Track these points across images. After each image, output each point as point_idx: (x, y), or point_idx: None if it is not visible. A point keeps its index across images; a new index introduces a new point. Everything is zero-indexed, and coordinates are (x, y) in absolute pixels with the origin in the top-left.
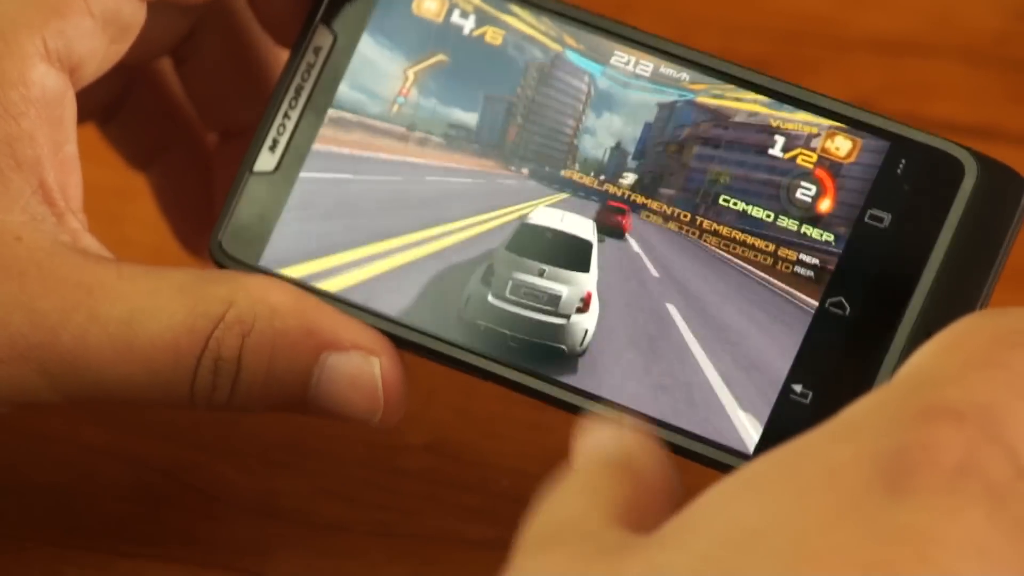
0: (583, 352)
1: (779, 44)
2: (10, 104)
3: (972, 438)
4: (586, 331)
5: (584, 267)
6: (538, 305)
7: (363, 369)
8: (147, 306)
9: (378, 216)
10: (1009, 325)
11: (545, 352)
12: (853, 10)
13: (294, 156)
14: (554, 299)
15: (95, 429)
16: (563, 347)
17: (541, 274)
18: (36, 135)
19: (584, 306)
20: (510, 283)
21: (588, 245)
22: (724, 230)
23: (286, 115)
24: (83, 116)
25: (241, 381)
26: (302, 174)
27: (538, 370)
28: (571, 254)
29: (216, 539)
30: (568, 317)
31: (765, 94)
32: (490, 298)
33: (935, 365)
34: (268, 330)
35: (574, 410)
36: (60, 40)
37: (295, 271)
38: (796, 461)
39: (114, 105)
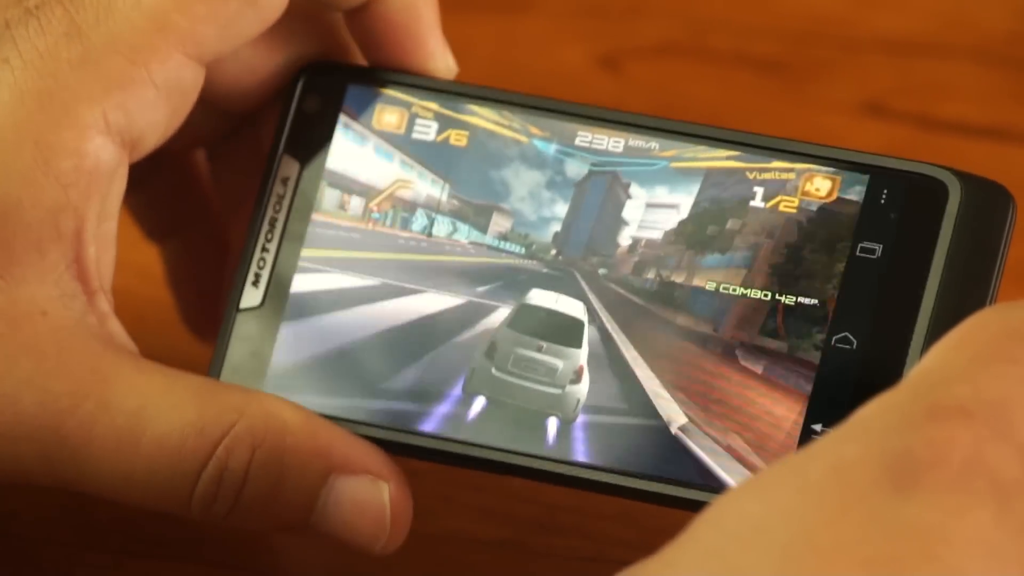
0: (574, 419)
1: (791, 45)
2: (61, 173)
3: (980, 436)
4: (578, 400)
5: (577, 343)
6: (537, 377)
7: (372, 494)
8: (159, 403)
9: (371, 331)
10: (1019, 318)
11: (541, 420)
12: (865, 11)
13: (278, 288)
14: (551, 371)
15: None
16: (558, 415)
17: (539, 349)
18: (81, 208)
19: (577, 378)
20: (512, 357)
21: (580, 324)
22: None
23: (264, 248)
24: None
25: (245, 495)
26: (289, 304)
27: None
28: (565, 332)
29: (227, 539)
30: (563, 388)
31: (736, 148)
32: (494, 371)
33: (944, 363)
34: (279, 446)
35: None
36: (120, 113)
37: (296, 399)
38: (804, 461)
39: (143, 177)
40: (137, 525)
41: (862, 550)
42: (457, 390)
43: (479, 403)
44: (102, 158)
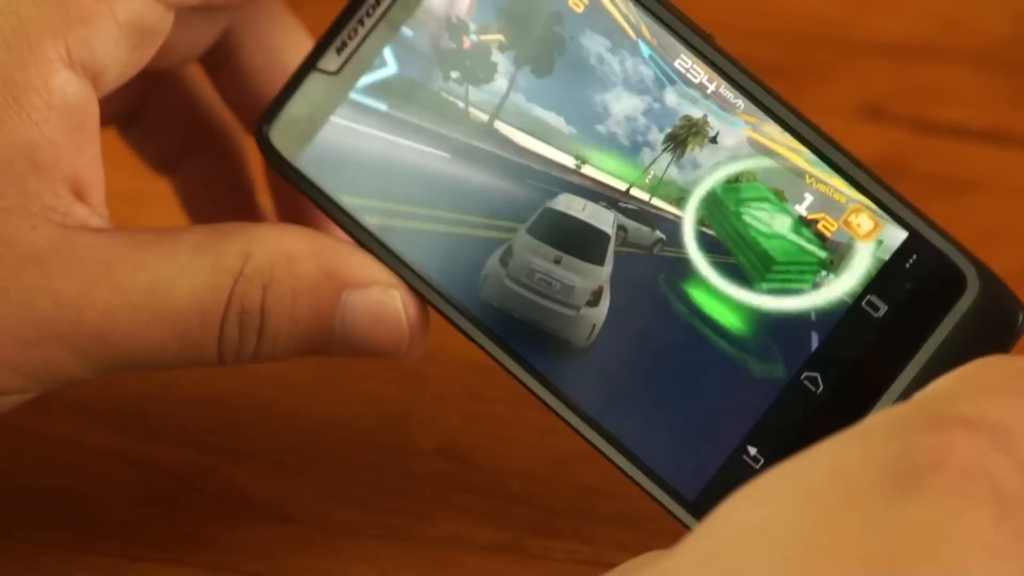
0: (589, 346)
1: (790, 49)
2: (32, 109)
3: (982, 445)
4: (593, 326)
5: (599, 259)
6: (550, 293)
7: (385, 303)
8: (167, 272)
9: (417, 172)
10: None
11: (551, 341)
12: (863, 15)
13: (358, 64)
14: (566, 289)
15: (105, 433)
16: (569, 339)
17: (557, 261)
18: (57, 140)
19: (595, 299)
20: (526, 267)
21: (606, 237)
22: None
23: (360, 21)
24: (104, 120)
25: (267, 331)
26: (361, 83)
27: (536, 364)
28: (588, 244)
29: (226, 543)
30: (578, 309)
31: (807, 146)
32: (505, 280)
33: (952, 388)
34: (287, 277)
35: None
36: (84, 48)
37: (326, 181)
38: (804, 465)
39: (136, 110)
40: (135, 529)
41: (861, 549)
42: (472, 274)
43: (490, 308)
44: (69, 91)
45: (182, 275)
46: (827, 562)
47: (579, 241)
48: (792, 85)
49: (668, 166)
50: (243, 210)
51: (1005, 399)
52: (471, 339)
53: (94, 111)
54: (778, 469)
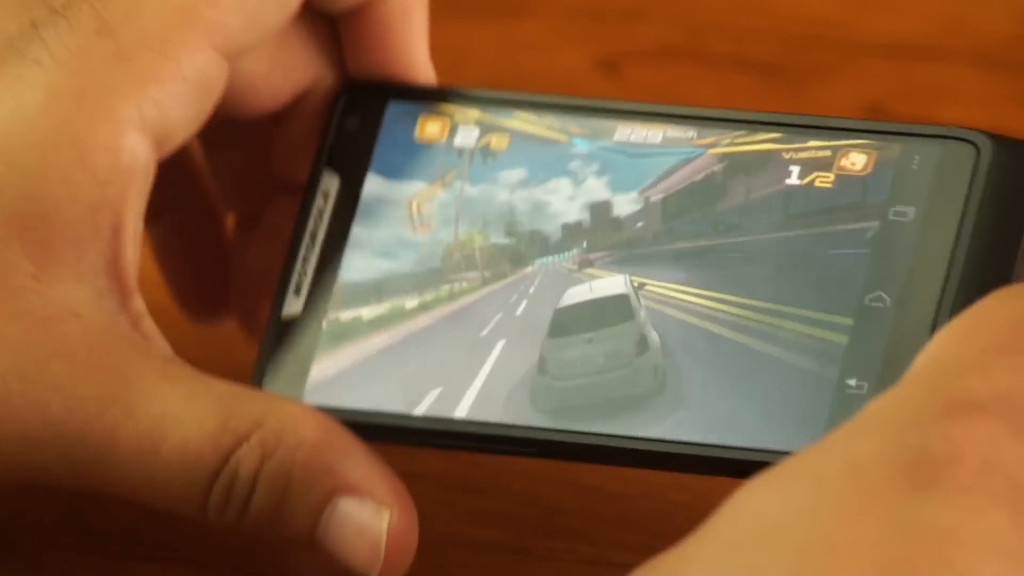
0: (663, 390)
1: (791, 49)
2: (98, 171)
3: (996, 433)
4: (655, 367)
5: (629, 316)
6: (600, 367)
7: (371, 520)
8: (181, 410)
9: (411, 336)
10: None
11: (626, 404)
12: (865, 15)
13: (319, 297)
14: (611, 355)
15: None
16: (640, 391)
17: (590, 342)
18: (119, 205)
19: (642, 348)
20: (567, 362)
21: (624, 297)
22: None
23: (305, 259)
24: None
25: (254, 503)
26: (329, 313)
27: (621, 434)
28: (610, 312)
29: (230, 543)
30: (631, 363)
31: (773, 130)
32: (554, 384)
33: (955, 354)
34: (288, 459)
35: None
36: (154, 108)
37: (341, 403)
38: (820, 456)
39: None
40: (139, 528)
41: (877, 552)
42: (509, 398)
43: (550, 414)
44: (138, 154)
45: (192, 420)
46: (844, 564)
47: (602, 316)
48: (793, 85)
49: (664, 213)
50: (215, 269)
51: (1009, 359)
52: (554, 455)
53: (151, 178)
54: (796, 459)
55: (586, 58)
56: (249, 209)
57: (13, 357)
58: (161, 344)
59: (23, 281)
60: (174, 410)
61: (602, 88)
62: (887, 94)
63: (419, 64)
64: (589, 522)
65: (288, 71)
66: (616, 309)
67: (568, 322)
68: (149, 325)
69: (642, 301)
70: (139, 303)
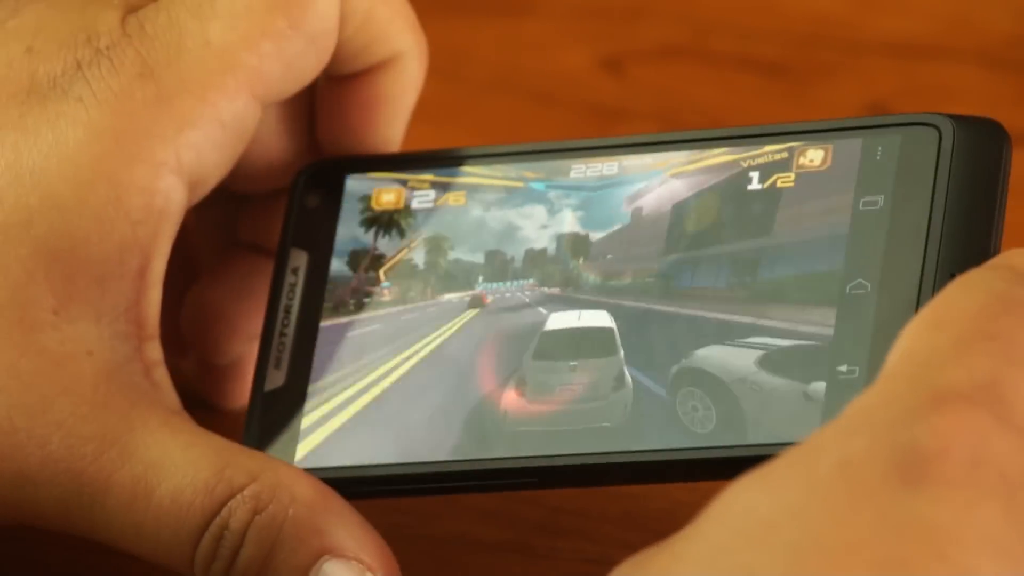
0: (627, 422)
1: (794, 48)
2: (132, 210)
3: (983, 425)
4: (625, 405)
5: (610, 351)
6: (576, 396)
7: None
8: (178, 458)
9: (395, 391)
10: (988, 291)
11: (593, 435)
12: (868, 14)
13: (299, 367)
14: (590, 386)
15: None
16: (608, 424)
17: (572, 371)
18: (147, 247)
19: (619, 384)
20: (545, 386)
21: (609, 331)
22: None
23: (282, 333)
24: None
25: (241, 558)
26: (311, 381)
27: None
28: (594, 344)
29: None
30: (607, 398)
31: (724, 144)
32: (528, 405)
33: (930, 346)
34: (280, 515)
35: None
36: (192, 153)
37: (332, 463)
38: (810, 455)
39: None
40: None
41: (871, 551)
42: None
43: (524, 436)
44: (172, 197)
45: (188, 467)
46: (838, 564)
47: (587, 345)
48: (797, 84)
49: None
50: (187, 316)
51: (983, 345)
52: (519, 485)
53: (180, 221)
54: (785, 457)
55: (589, 57)
56: (208, 263)
57: (22, 392)
58: (170, 395)
59: (43, 315)
60: (171, 457)
61: (605, 87)
62: (890, 93)
63: (394, 142)
64: (592, 521)
65: (286, 144)
66: (601, 342)
67: (553, 346)
68: (161, 374)
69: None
70: (155, 351)
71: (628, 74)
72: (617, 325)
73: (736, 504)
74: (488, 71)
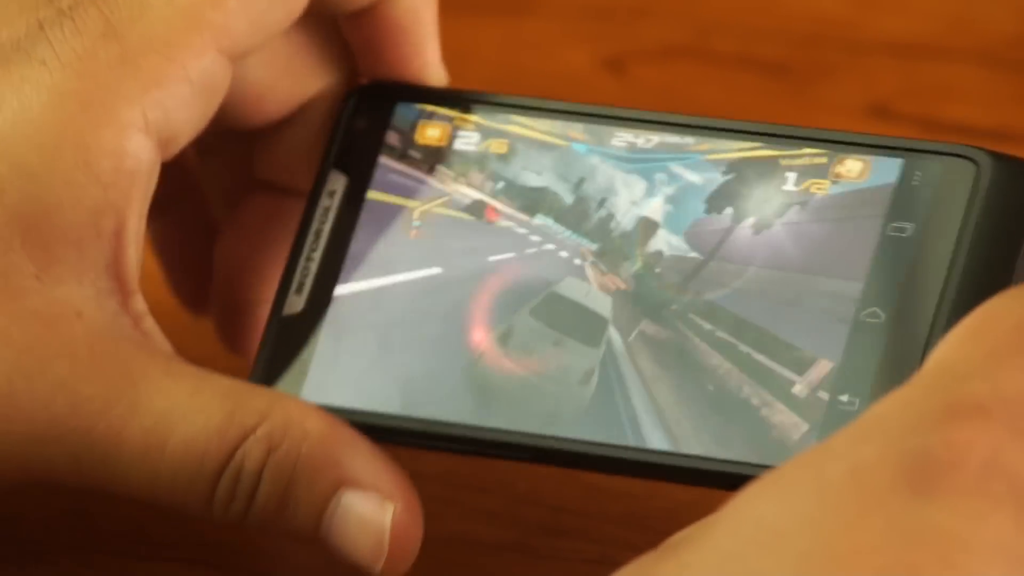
0: (583, 415)
1: (796, 48)
2: (102, 173)
3: (998, 436)
4: (580, 407)
5: (594, 342)
6: (546, 373)
7: (375, 513)
8: (187, 406)
9: (410, 338)
10: None
11: (546, 414)
12: (870, 14)
13: (320, 296)
14: (562, 369)
15: None
16: (564, 413)
17: (555, 343)
18: (122, 208)
19: (585, 379)
20: (524, 347)
21: (603, 321)
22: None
23: (308, 258)
24: None
25: (259, 497)
26: (330, 312)
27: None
28: (585, 328)
29: (234, 542)
30: (569, 388)
31: (768, 139)
32: (504, 358)
33: (960, 357)
34: (294, 451)
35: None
36: (159, 111)
37: (337, 402)
38: (820, 461)
39: None
40: (143, 528)
41: (881, 559)
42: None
43: (489, 389)
44: (142, 157)
45: (198, 415)
46: (848, 571)
47: (578, 324)
48: (798, 84)
49: (665, 230)
50: (209, 263)
51: (1015, 362)
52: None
53: (155, 180)
54: (795, 463)
55: (591, 57)
56: (227, 212)
57: (17, 356)
58: (162, 342)
59: (25, 282)
60: (179, 406)
61: (607, 87)
62: (892, 93)
63: (430, 65)
64: (594, 521)
65: (294, 79)
66: (591, 329)
67: (551, 311)
68: (150, 324)
69: (607, 336)
70: (140, 303)
71: (629, 74)
72: (617, 325)
73: (746, 511)
74: (489, 71)
